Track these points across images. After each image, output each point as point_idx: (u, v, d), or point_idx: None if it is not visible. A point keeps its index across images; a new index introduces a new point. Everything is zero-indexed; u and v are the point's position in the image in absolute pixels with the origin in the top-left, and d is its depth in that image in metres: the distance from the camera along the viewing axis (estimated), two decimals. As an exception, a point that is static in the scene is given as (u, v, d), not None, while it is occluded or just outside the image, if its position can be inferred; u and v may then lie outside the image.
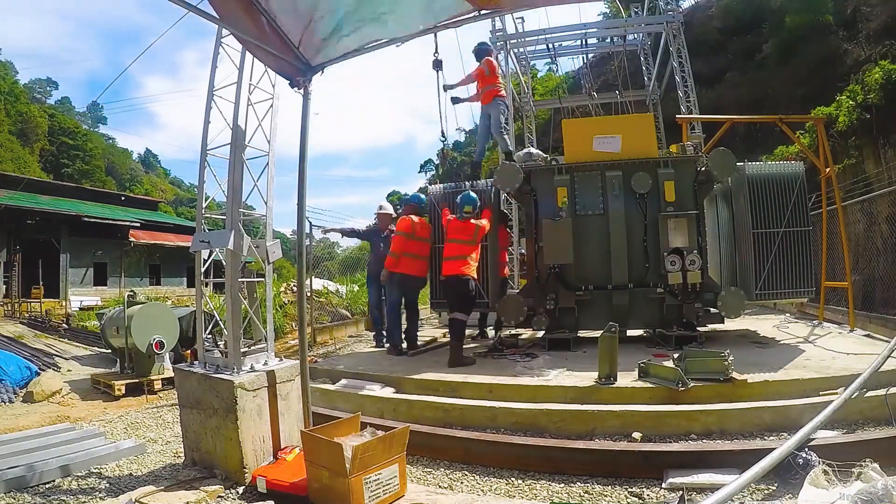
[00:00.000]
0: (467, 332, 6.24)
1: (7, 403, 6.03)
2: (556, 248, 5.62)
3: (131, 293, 9.16)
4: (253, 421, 3.13)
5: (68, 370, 7.81)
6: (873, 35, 13.19)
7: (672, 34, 11.44)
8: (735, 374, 3.88)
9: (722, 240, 6.56)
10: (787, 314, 8.22)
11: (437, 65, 6.78)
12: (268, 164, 3.53)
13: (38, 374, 6.93)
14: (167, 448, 4.06)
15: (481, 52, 7.03)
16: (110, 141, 54.91)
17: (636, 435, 3.50)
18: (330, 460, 2.64)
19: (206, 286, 3.90)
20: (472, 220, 5.41)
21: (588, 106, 14.53)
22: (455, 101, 7.25)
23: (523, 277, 8.86)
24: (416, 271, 5.95)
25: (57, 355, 9.01)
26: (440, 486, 3.09)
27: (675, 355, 4.16)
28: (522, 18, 12.78)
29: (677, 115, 9.11)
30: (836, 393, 3.53)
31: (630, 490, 2.87)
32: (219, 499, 2.93)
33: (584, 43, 14.15)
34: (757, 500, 2.62)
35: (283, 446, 3.27)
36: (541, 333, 5.98)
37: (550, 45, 12.94)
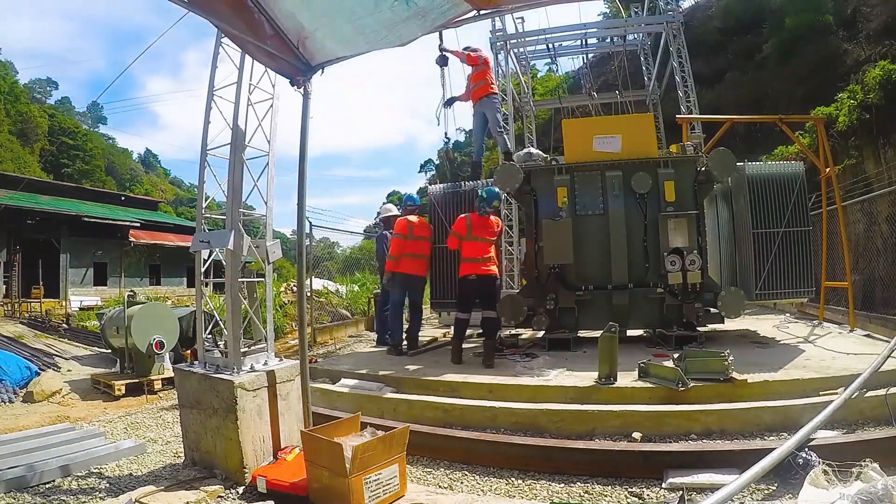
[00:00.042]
0: (468, 331, 6.23)
1: (7, 403, 6.03)
2: (556, 248, 5.62)
3: (131, 293, 9.17)
4: (253, 421, 3.13)
5: (68, 370, 7.81)
6: (873, 35, 13.20)
7: (672, 34, 11.44)
8: (735, 374, 3.88)
9: (722, 240, 6.56)
10: (787, 314, 8.22)
11: (443, 61, 6.66)
12: (268, 164, 3.53)
13: (38, 374, 6.92)
14: (167, 448, 4.06)
15: (445, 57, 6.99)
16: (110, 141, 54.96)
17: (636, 435, 3.50)
18: (330, 460, 2.64)
19: (206, 286, 3.90)
20: (492, 217, 5.47)
21: (588, 106, 14.52)
22: (449, 103, 7.24)
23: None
24: (417, 270, 5.97)
25: (57, 355, 9.01)
26: (440, 486, 3.09)
27: (675, 355, 4.17)
28: (522, 18, 12.78)
29: (677, 115, 9.11)
30: (836, 393, 3.53)
31: (630, 490, 2.87)
32: (219, 499, 2.93)
33: (584, 43, 14.15)
34: (757, 500, 2.62)
35: (283, 446, 3.27)
36: (541, 333, 5.99)
37: (550, 45, 12.94)
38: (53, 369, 7.63)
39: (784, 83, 15.09)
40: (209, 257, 3.65)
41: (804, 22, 15.21)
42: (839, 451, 2.75)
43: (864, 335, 5.83)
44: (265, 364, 3.40)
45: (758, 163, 6.42)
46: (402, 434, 2.81)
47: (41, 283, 20.35)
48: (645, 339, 6.06)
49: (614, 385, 4.02)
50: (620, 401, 3.86)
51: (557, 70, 18.32)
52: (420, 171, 51.71)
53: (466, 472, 3.27)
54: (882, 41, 12.46)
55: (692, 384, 3.80)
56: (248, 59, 3.39)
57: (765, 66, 16.61)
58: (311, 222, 8.88)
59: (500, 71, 10.50)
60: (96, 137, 51.12)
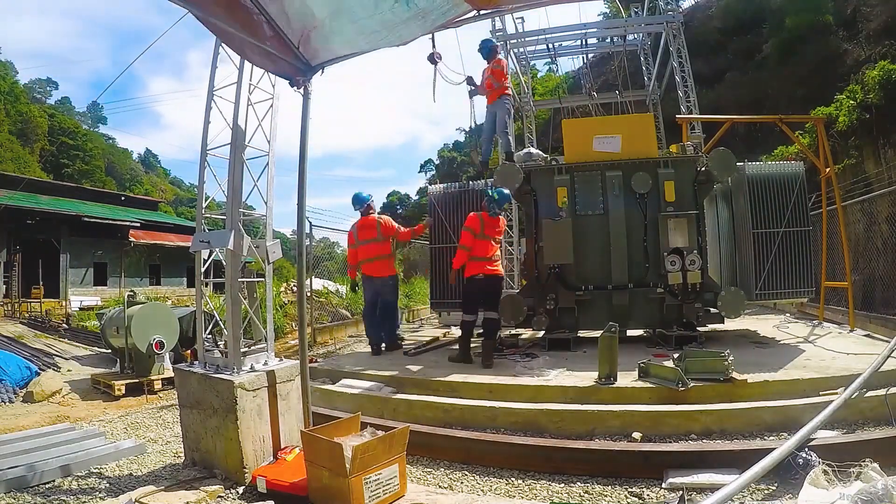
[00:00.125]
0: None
1: (7, 403, 6.03)
2: (556, 248, 5.63)
3: (131, 293, 9.16)
4: (253, 421, 3.13)
5: (68, 370, 7.81)
6: (873, 35, 13.21)
7: (672, 34, 11.46)
8: (735, 374, 3.88)
9: (722, 240, 6.56)
10: (787, 314, 8.22)
11: (437, 57, 6.54)
12: (268, 164, 3.53)
13: (38, 374, 6.92)
14: (167, 448, 4.06)
15: (491, 48, 6.95)
16: (110, 141, 54.94)
17: (636, 435, 3.50)
18: (330, 460, 2.64)
19: (206, 286, 3.90)
20: (500, 217, 5.48)
21: (588, 106, 14.53)
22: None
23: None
24: (372, 272, 5.99)
25: (57, 355, 9.01)
26: (440, 486, 3.09)
27: (675, 355, 4.16)
28: (522, 18, 12.81)
29: (677, 115, 9.12)
30: (836, 393, 3.53)
31: (630, 490, 2.87)
32: (219, 499, 2.93)
33: (584, 43, 14.18)
34: (757, 500, 2.62)
35: (283, 446, 3.27)
36: (541, 333, 5.99)
37: (550, 45, 12.96)
38: (53, 369, 7.63)
39: (784, 83, 15.10)
40: (209, 257, 3.65)
41: (804, 22, 15.23)
42: (839, 451, 2.75)
43: (864, 335, 5.83)
44: (265, 364, 3.40)
45: (758, 163, 6.42)
46: (402, 434, 2.81)
47: (41, 283, 20.36)
48: (645, 339, 6.06)
49: (614, 385, 4.02)
50: (620, 401, 3.86)
51: (557, 70, 18.35)
52: (420, 171, 51.74)
53: (466, 472, 3.27)
54: (882, 41, 12.47)
55: (692, 384, 3.80)
56: (248, 59, 3.40)
57: (765, 66, 16.63)
58: (311, 222, 8.88)
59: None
60: (96, 137, 51.11)
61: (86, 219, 22.44)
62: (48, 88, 52.84)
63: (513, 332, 6.92)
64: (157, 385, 6.57)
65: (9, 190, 20.49)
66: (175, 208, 48.22)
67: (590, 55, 16.45)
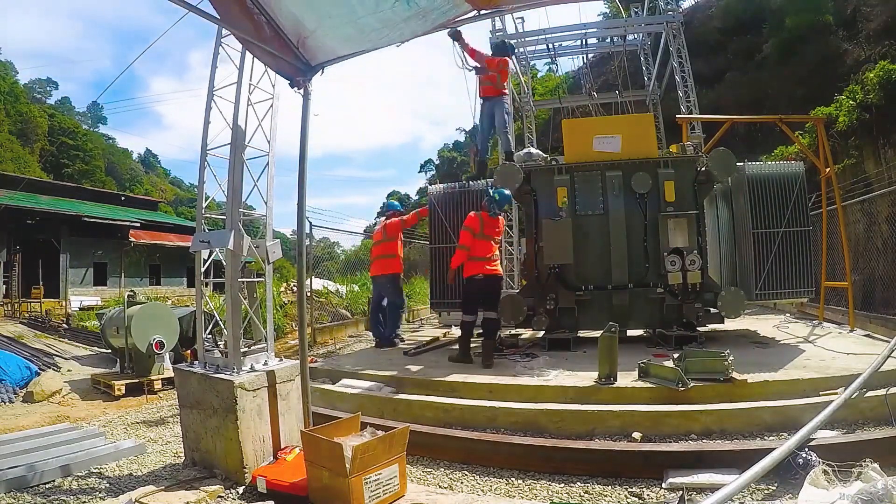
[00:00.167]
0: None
1: (7, 403, 6.03)
2: (556, 248, 5.63)
3: (131, 293, 9.16)
4: (253, 421, 3.13)
5: (68, 370, 7.81)
6: (873, 35, 13.21)
7: (672, 34, 11.46)
8: (735, 374, 3.88)
9: (722, 240, 6.56)
10: (787, 314, 8.22)
11: (456, 34, 6.06)
12: (268, 164, 3.53)
13: (38, 374, 6.92)
14: (167, 448, 4.06)
15: (506, 48, 6.98)
16: (110, 141, 54.93)
17: (636, 435, 3.50)
18: (330, 460, 2.64)
19: (206, 286, 3.90)
20: (500, 217, 5.50)
21: (588, 106, 14.54)
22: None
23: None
24: (375, 271, 6.65)
25: (57, 355, 9.01)
26: (440, 486, 3.09)
27: (675, 355, 4.16)
28: (522, 18, 12.82)
29: (677, 115, 9.12)
30: (836, 393, 3.53)
31: (630, 490, 2.87)
32: (219, 499, 2.93)
33: (584, 43, 14.18)
34: (757, 500, 2.62)
35: (283, 446, 3.27)
36: (541, 333, 5.98)
37: (550, 45, 12.97)
38: (53, 369, 7.63)
39: (784, 83, 15.10)
40: (209, 257, 3.65)
41: (804, 22, 15.23)
42: (839, 451, 2.75)
43: (864, 335, 5.83)
44: (265, 364, 3.40)
45: (758, 163, 6.42)
46: (402, 434, 2.81)
47: (41, 283, 20.37)
48: (645, 339, 6.06)
49: (614, 385, 4.02)
50: (620, 401, 3.86)
51: (557, 70, 18.35)
52: (420, 171, 51.77)
53: (466, 472, 3.27)
54: (882, 41, 12.46)
55: (692, 384, 3.80)
56: (248, 59, 3.40)
57: (765, 66, 16.62)
58: (311, 222, 8.87)
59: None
60: (96, 137, 51.10)
61: (86, 219, 22.45)
62: (48, 88, 52.88)
63: (513, 332, 6.93)
64: (157, 385, 6.57)
65: (9, 190, 20.50)
66: (175, 208, 48.21)
67: (590, 55, 16.45)
